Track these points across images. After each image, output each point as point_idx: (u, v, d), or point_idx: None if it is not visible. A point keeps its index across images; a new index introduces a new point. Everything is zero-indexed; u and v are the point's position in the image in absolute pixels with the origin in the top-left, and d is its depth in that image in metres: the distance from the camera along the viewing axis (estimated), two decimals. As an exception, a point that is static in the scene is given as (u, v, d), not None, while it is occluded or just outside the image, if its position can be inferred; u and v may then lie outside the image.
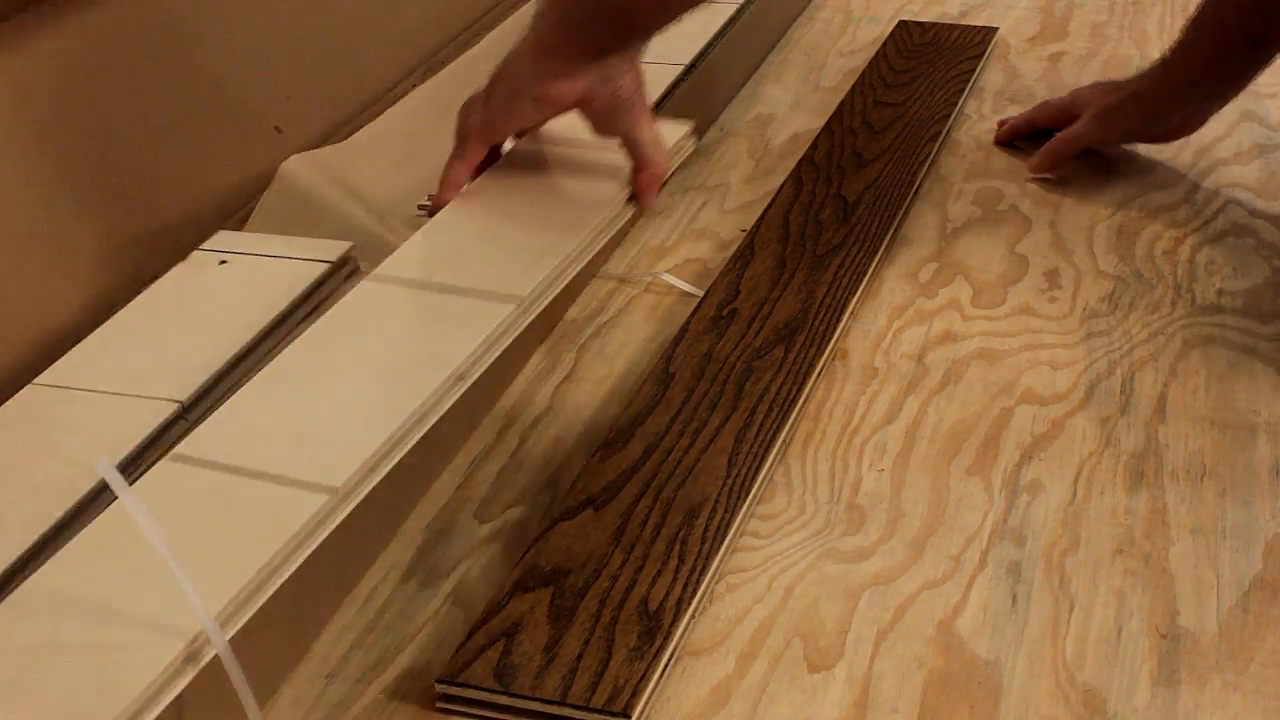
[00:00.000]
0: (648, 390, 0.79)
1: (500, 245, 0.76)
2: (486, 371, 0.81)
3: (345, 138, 1.02)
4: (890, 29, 1.27)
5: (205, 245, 0.84)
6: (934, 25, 1.27)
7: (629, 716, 0.59)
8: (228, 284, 0.81)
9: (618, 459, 0.74)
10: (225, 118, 1.01)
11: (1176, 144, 1.08)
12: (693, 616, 0.65)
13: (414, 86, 1.13)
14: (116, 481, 0.55)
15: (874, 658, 0.63)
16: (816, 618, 0.66)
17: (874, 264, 0.92)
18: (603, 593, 0.65)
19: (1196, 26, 0.99)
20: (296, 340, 0.69)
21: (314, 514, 0.57)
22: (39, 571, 0.55)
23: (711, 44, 1.16)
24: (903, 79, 1.16)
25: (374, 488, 0.61)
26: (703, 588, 0.66)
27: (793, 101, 1.19)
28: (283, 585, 0.56)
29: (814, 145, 1.07)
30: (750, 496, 0.72)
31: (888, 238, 0.94)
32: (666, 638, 0.62)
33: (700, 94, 1.13)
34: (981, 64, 1.20)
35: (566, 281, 0.75)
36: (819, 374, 0.82)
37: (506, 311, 0.69)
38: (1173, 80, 1.00)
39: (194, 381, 0.72)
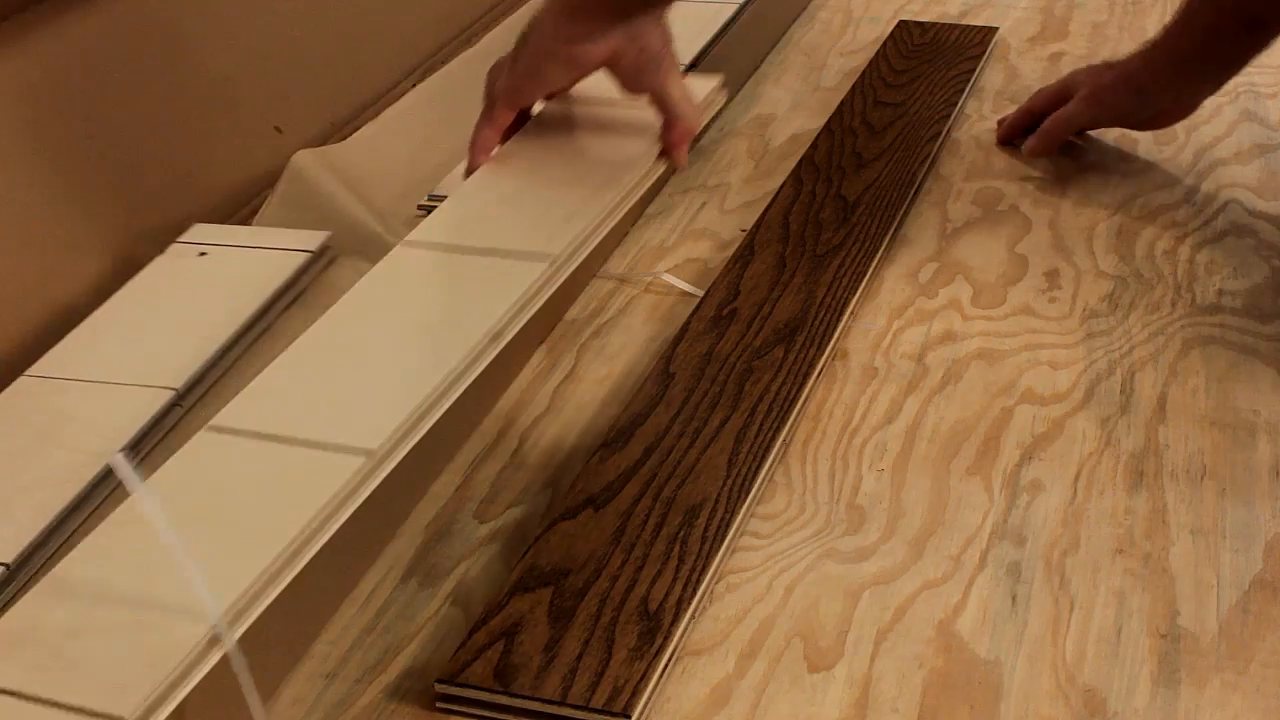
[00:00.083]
0: (648, 390, 0.79)
1: (531, 206, 0.75)
2: (486, 371, 0.81)
3: (345, 138, 1.02)
4: (890, 29, 1.27)
5: (183, 238, 0.85)
6: (934, 25, 1.27)
7: (629, 716, 0.59)
8: (210, 275, 0.82)
9: (618, 459, 0.74)
10: (225, 118, 1.01)
11: (1176, 144, 1.08)
12: (693, 616, 0.65)
13: (414, 86, 1.13)
14: (129, 477, 0.55)
15: (874, 658, 0.63)
16: (816, 618, 0.66)
17: (874, 264, 0.92)
18: (603, 593, 0.65)
19: (1191, 7, 0.98)
20: (332, 308, 0.68)
21: (350, 477, 0.57)
22: (71, 555, 0.55)
23: (711, 44, 1.16)
24: (903, 79, 1.16)
25: (373, 489, 0.61)
26: (703, 588, 0.66)
27: (793, 101, 1.19)
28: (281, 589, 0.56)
29: (814, 145, 1.07)
30: (750, 496, 0.72)
31: (888, 238, 0.94)
32: (666, 638, 0.62)
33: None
34: (981, 64, 1.20)
35: (599, 239, 0.74)
36: (819, 374, 0.82)
37: (540, 270, 0.69)
38: (1165, 60, 0.99)
39: (187, 369, 0.73)
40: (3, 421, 0.70)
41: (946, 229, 0.98)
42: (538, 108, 0.84)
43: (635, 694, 0.59)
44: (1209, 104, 1.13)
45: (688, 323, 0.85)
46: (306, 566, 0.56)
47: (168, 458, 0.65)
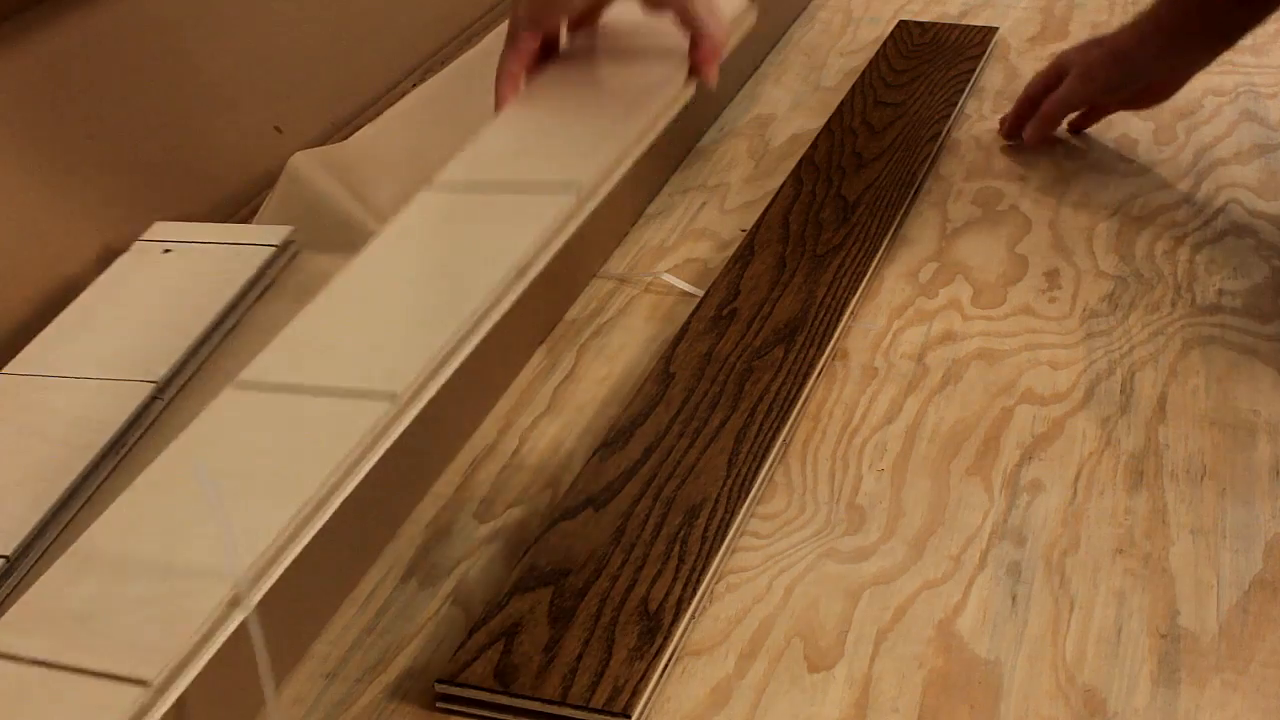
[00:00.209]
0: (648, 390, 0.79)
1: (557, 138, 0.73)
2: (486, 371, 0.81)
3: (345, 138, 1.02)
4: (890, 29, 1.27)
5: (145, 236, 0.86)
6: (934, 25, 1.27)
7: (629, 716, 0.59)
8: (177, 271, 0.83)
9: (618, 459, 0.74)
10: (225, 118, 1.01)
11: (1176, 144, 1.08)
12: (693, 616, 0.65)
13: (414, 86, 1.13)
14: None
15: (874, 658, 0.63)
16: (816, 618, 0.66)
17: (874, 264, 0.92)
18: (603, 593, 0.65)
19: None
20: (356, 257, 0.66)
21: (374, 423, 0.55)
22: (95, 526, 0.54)
23: (711, 44, 1.16)
24: (903, 79, 1.17)
25: (371, 490, 0.60)
26: (703, 588, 0.66)
27: (793, 101, 1.19)
28: (279, 588, 0.56)
29: (814, 145, 1.07)
30: (750, 496, 0.72)
31: (888, 238, 0.94)
32: (666, 638, 0.62)
33: (700, 94, 1.13)
34: (981, 64, 1.20)
35: (628, 166, 0.72)
36: (819, 374, 0.82)
37: (566, 202, 0.66)
38: (1154, 32, 0.99)
39: (165, 362, 0.75)
40: None
41: (946, 229, 0.98)
42: (565, 43, 0.81)
43: (635, 694, 0.59)
44: (1209, 104, 1.14)
45: (688, 323, 0.85)
46: (302, 567, 0.56)
47: (153, 450, 0.66)
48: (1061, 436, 0.77)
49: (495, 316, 0.61)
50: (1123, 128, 1.11)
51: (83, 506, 0.67)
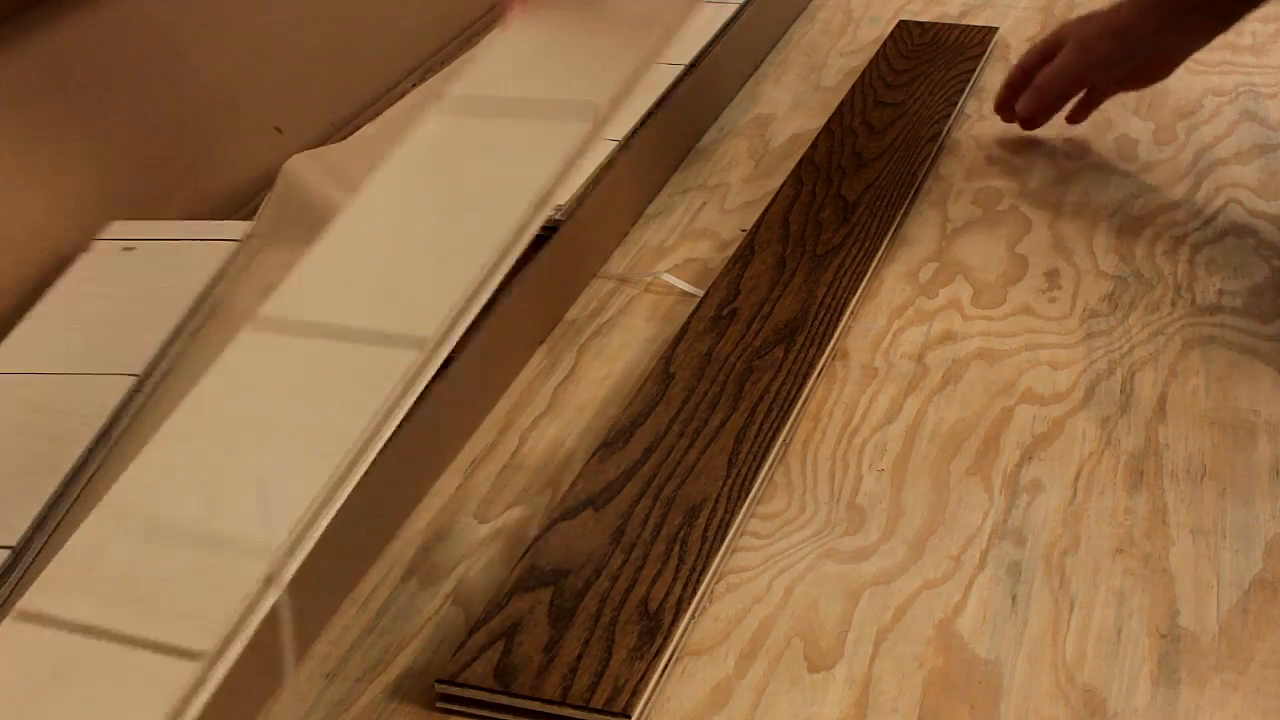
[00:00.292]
0: (648, 390, 0.79)
1: (568, 53, 0.70)
2: (486, 371, 0.81)
3: (345, 138, 1.02)
4: (890, 29, 1.27)
5: (102, 235, 0.87)
6: (934, 25, 1.27)
7: (629, 716, 0.59)
8: (140, 268, 0.84)
9: (618, 459, 0.74)
10: (225, 118, 1.01)
11: (1176, 144, 1.08)
12: (693, 616, 0.65)
13: (414, 86, 1.13)
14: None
15: (874, 658, 0.63)
16: (816, 618, 0.66)
17: (874, 264, 0.92)
18: (603, 593, 0.65)
19: None
20: (368, 184, 0.64)
21: (405, 371, 0.53)
22: (124, 479, 0.52)
23: (711, 44, 1.16)
24: (903, 79, 1.17)
25: (371, 490, 0.60)
26: (703, 588, 0.66)
27: (793, 101, 1.19)
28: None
29: (814, 145, 1.07)
30: (750, 496, 0.72)
31: (888, 238, 0.94)
32: (666, 638, 0.62)
33: (700, 94, 1.13)
34: (981, 64, 1.20)
35: (642, 80, 0.69)
36: (819, 374, 0.82)
37: (582, 128, 0.63)
38: (1155, 6, 0.97)
39: (142, 356, 0.76)
40: None
41: (946, 229, 0.98)
42: None
43: (635, 694, 0.59)
44: (1209, 104, 1.14)
45: (688, 323, 0.85)
46: (302, 567, 0.55)
47: (140, 441, 0.65)
48: (1061, 436, 0.77)
49: (517, 251, 0.59)
50: (1123, 128, 1.11)
51: (78, 498, 0.68)
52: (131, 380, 0.74)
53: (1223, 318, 0.87)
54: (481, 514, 0.74)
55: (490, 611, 0.64)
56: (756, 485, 0.72)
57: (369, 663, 0.65)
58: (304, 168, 0.93)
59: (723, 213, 1.02)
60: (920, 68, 1.18)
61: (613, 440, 0.75)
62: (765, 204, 0.99)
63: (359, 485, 0.68)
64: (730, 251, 0.94)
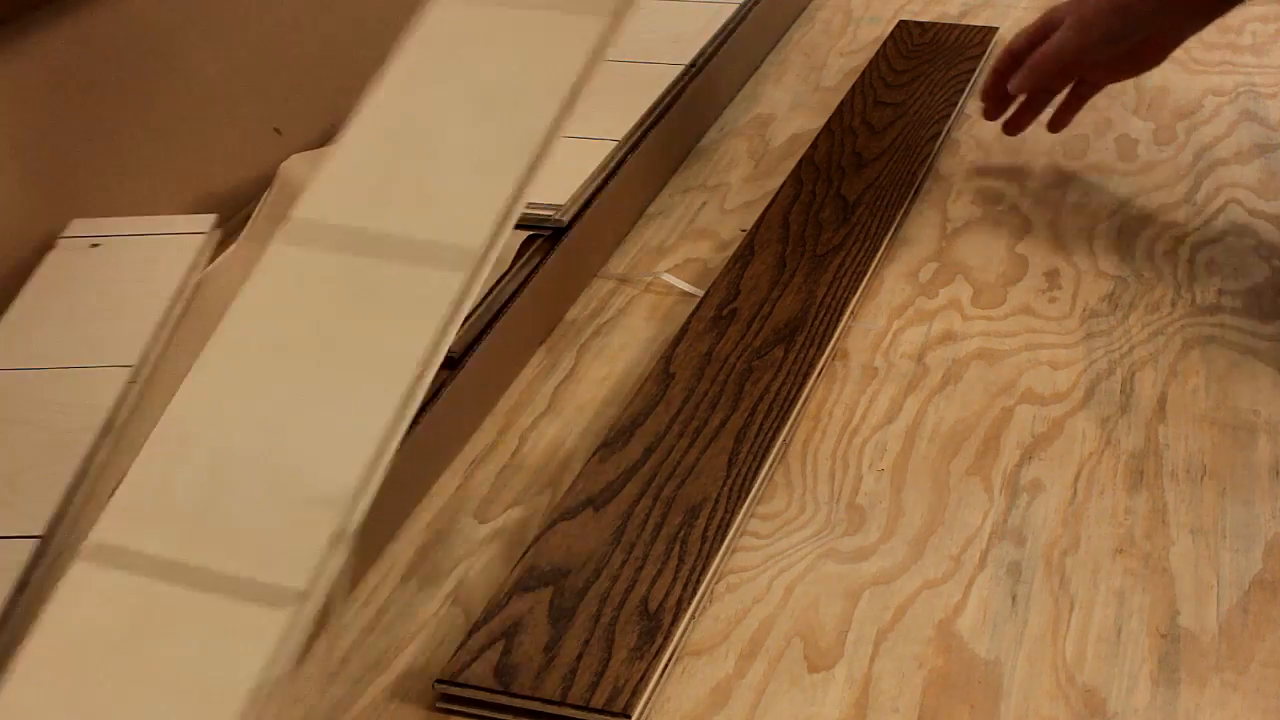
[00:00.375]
0: (648, 390, 0.79)
1: None
2: (487, 370, 0.81)
3: (345, 138, 1.02)
4: (890, 29, 1.27)
5: (66, 233, 0.88)
6: (934, 25, 1.27)
7: (629, 716, 0.59)
8: (111, 264, 0.85)
9: (618, 459, 0.74)
10: (224, 119, 1.01)
11: (1176, 144, 1.08)
12: (693, 616, 0.65)
13: (414, 87, 1.13)
14: None
15: (874, 658, 0.63)
16: (816, 618, 0.66)
17: (874, 264, 0.92)
18: (603, 593, 0.65)
19: None
20: (383, 82, 0.60)
21: (455, 294, 0.50)
22: (176, 404, 0.49)
23: (711, 44, 1.16)
24: (903, 79, 1.17)
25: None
26: (703, 588, 0.66)
27: (793, 101, 1.19)
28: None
29: (814, 145, 1.07)
30: (750, 496, 0.72)
31: (888, 238, 0.94)
32: (666, 638, 0.62)
33: (700, 94, 1.13)
34: (981, 64, 1.20)
35: None
36: (819, 374, 0.82)
37: (599, 25, 0.59)
38: None
39: (133, 347, 0.77)
40: None
41: (946, 229, 0.98)
42: None
43: (635, 694, 0.59)
44: (1209, 104, 1.14)
45: (688, 323, 0.85)
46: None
47: (142, 431, 0.67)
48: (1061, 436, 0.77)
49: (547, 157, 0.55)
50: (1123, 128, 1.11)
51: (92, 485, 0.69)
52: (126, 371, 0.75)
53: (1223, 318, 0.87)
54: (481, 514, 0.74)
55: (490, 611, 0.64)
56: (756, 485, 0.72)
57: (369, 663, 0.65)
58: (302, 169, 0.93)
59: (723, 213, 1.02)
60: (920, 68, 1.18)
61: (613, 440, 0.75)
62: (765, 204, 0.99)
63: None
64: (730, 251, 0.94)
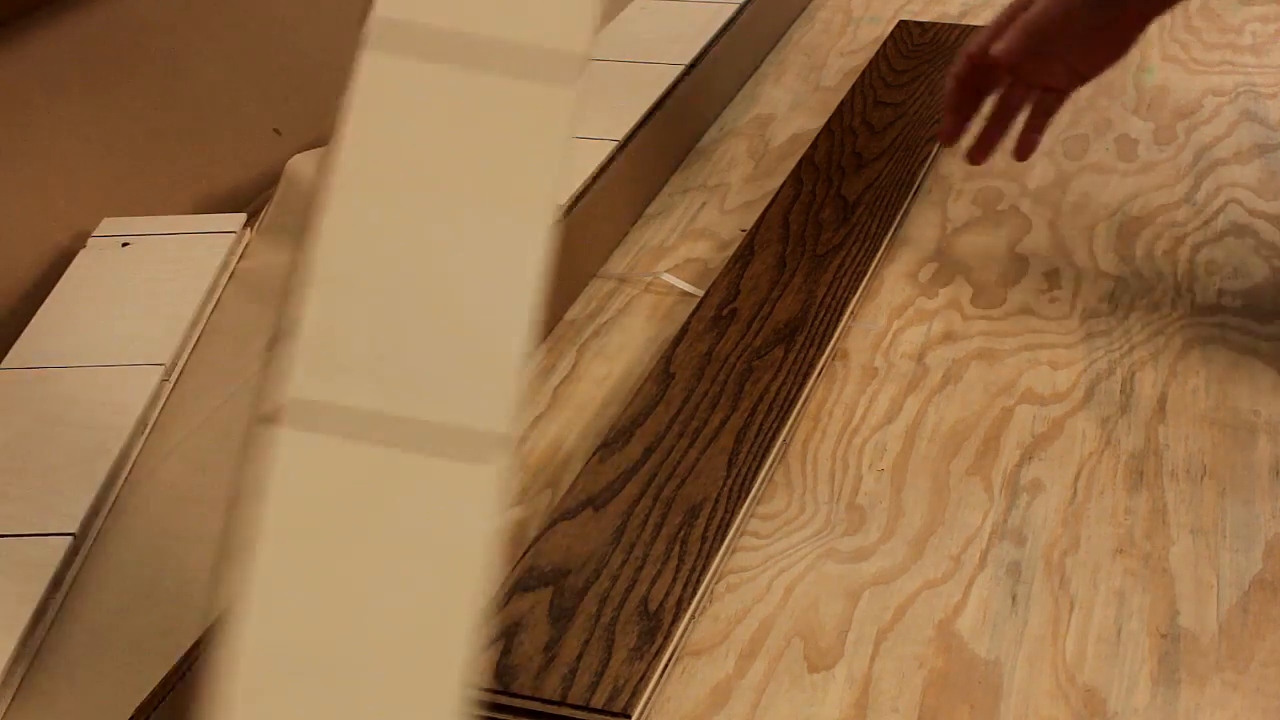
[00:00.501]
0: (648, 390, 0.79)
1: None
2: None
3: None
4: (890, 29, 1.27)
5: (97, 232, 0.88)
6: (934, 25, 1.27)
7: (629, 716, 0.59)
8: (142, 262, 0.86)
9: (618, 459, 0.74)
10: (224, 120, 1.01)
11: (1176, 144, 1.08)
12: (693, 616, 0.65)
13: (414, 87, 1.13)
14: None
15: (874, 658, 0.63)
16: (816, 618, 0.66)
17: (874, 264, 0.92)
18: (603, 593, 0.65)
19: None
20: None
21: (564, 106, 0.47)
22: (324, 244, 0.46)
23: (711, 44, 1.16)
24: (903, 79, 1.16)
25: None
26: (703, 588, 0.66)
27: (793, 101, 1.19)
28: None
29: (814, 145, 1.07)
30: (750, 496, 0.72)
31: (888, 238, 0.94)
32: (666, 638, 0.62)
33: (700, 94, 1.13)
34: (981, 64, 1.20)
35: None
36: (819, 374, 0.82)
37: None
38: None
39: (167, 347, 0.78)
40: (4, 412, 0.73)
41: (946, 229, 0.98)
42: None
43: (635, 694, 0.59)
44: (1209, 104, 1.14)
45: (688, 323, 0.85)
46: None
47: (174, 429, 0.69)
48: (1061, 436, 0.77)
49: None
50: (1123, 128, 1.11)
51: (124, 484, 0.70)
52: (158, 370, 0.76)
53: (1223, 318, 0.87)
54: (481, 514, 0.74)
55: (490, 611, 0.64)
56: (756, 485, 0.72)
57: (369, 663, 0.65)
58: (306, 168, 0.93)
59: (723, 213, 1.02)
60: (920, 68, 1.18)
61: (613, 440, 0.75)
62: (765, 204, 0.99)
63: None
64: (730, 251, 0.94)
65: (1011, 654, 0.63)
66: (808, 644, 0.64)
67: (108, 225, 0.89)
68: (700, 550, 0.67)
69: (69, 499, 0.67)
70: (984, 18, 1.32)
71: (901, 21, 1.29)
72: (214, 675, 0.39)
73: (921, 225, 0.98)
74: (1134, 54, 1.25)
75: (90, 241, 0.87)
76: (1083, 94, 1.15)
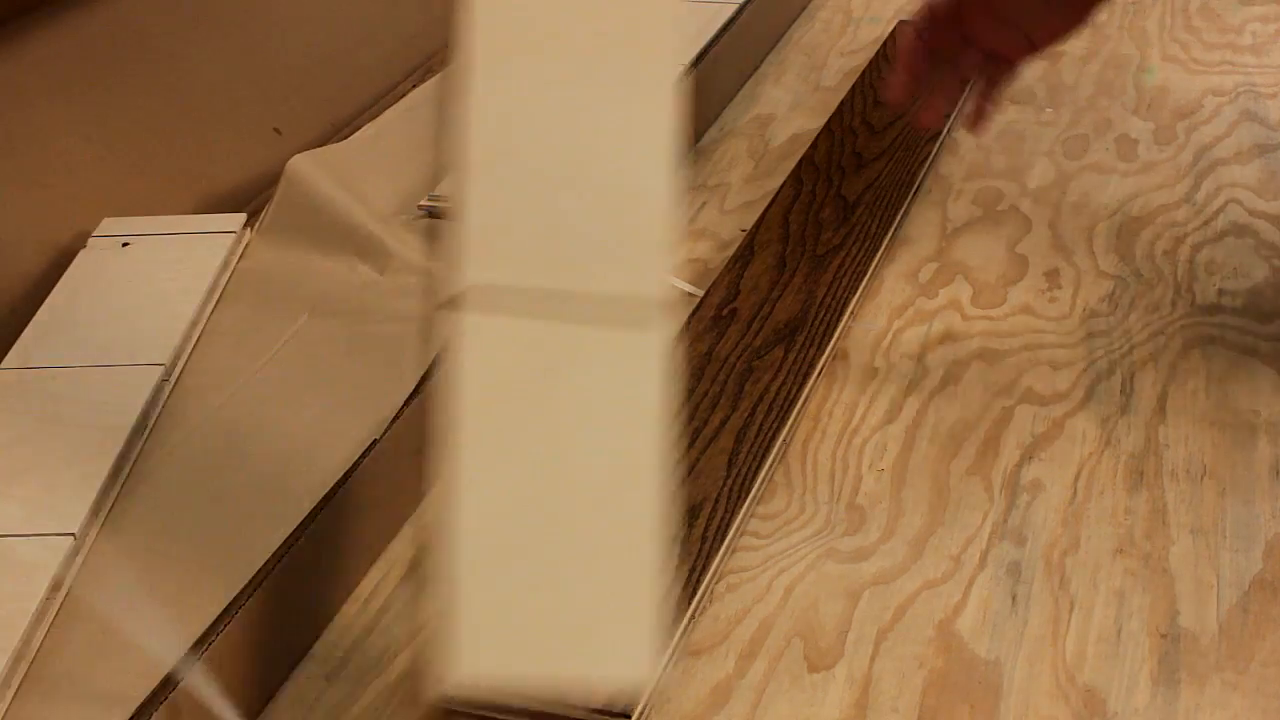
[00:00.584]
0: (648, 390, 0.79)
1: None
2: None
3: (345, 139, 1.02)
4: (890, 29, 1.27)
5: (97, 232, 0.89)
6: (934, 25, 1.27)
7: (629, 716, 0.59)
8: (142, 262, 0.86)
9: (618, 459, 0.74)
10: (224, 119, 1.01)
11: (1176, 144, 1.08)
12: (693, 616, 0.65)
13: (414, 87, 1.13)
14: None
15: (874, 658, 0.63)
16: (816, 618, 0.66)
17: (874, 264, 0.92)
18: (603, 593, 0.65)
19: None
20: None
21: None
22: (482, 138, 0.46)
23: (711, 44, 1.16)
24: (903, 79, 1.16)
25: (371, 490, 0.58)
26: (703, 588, 0.66)
27: (792, 101, 1.19)
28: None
29: (814, 145, 1.07)
30: (750, 496, 0.72)
31: (888, 238, 0.94)
32: (666, 638, 0.62)
33: (700, 94, 1.13)
34: (981, 64, 1.20)
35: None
36: (819, 374, 0.82)
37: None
38: None
39: (166, 346, 0.78)
40: (4, 412, 0.72)
41: (946, 229, 0.98)
42: None
43: (635, 694, 0.59)
44: (1209, 104, 1.14)
45: (688, 323, 0.85)
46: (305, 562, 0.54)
47: (174, 429, 0.69)
48: (1061, 436, 0.77)
49: None
50: (1123, 127, 1.11)
51: (125, 483, 0.70)
52: (159, 369, 0.76)
53: (1223, 318, 0.87)
54: (481, 514, 0.74)
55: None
56: (756, 485, 0.72)
57: (369, 663, 0.65)
58: (307, 168, 0.93)
59: (723, 213, 1.02)
60: (920, 68, 1.18)
61: (613, 440, 0.75)
62: (765, 204, 0.99)
63: (358, 484, 0.69)
64: (730, 251, 0.94)
65: (1011, 654, 0.63)
66: (808, 644, 0.64)
67: (108, 225, 0.89)
68: (700, 550, 0.67)
69: (69, 499, 0.67)
70: (984, 18, 1.32)
71: (901, 21, 1.29)
72: (438, 547, 0.43)
73: (921, 225, 0.98)
74: (1134, 54, 1.25)
75: (90, 241, 0.87)
76: (1083, 94, 1.16)
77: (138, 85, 0.94)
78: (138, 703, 0.57)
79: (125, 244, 0.87)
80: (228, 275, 0.86)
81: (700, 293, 0.89)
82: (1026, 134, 1.09)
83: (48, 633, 0.61)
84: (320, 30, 1.10)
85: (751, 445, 0.74)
